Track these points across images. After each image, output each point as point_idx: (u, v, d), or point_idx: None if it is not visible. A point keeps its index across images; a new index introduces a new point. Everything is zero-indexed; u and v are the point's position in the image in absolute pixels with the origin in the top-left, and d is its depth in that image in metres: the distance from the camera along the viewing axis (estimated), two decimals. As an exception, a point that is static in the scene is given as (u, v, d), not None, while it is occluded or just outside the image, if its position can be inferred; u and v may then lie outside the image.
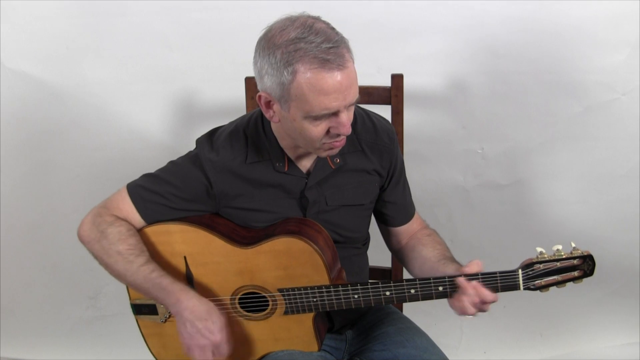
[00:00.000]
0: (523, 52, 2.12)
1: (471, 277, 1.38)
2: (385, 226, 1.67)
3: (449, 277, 1.39)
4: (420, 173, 2.26)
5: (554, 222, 2.32)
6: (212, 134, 1.52)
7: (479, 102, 2.20)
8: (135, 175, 1.56)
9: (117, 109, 2.25)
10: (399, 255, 1.69)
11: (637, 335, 2.44)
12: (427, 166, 2.28)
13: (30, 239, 2.42)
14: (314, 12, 1.35)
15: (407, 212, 1.66)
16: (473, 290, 1.38)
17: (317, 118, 1.32)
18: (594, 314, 2.45)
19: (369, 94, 1.83)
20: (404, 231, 1.66)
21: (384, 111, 1.79)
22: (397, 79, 1.81)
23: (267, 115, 1.40)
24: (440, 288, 1.41)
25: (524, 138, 2.23)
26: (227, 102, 2.18)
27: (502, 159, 2.27)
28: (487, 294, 1.38)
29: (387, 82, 1.83)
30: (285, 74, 1.28)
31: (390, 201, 1.61)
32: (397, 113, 1.82)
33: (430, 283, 1.40)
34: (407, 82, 1.82)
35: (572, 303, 2.42)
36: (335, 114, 1.32)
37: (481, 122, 2.22)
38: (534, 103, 2.19)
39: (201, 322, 1.43)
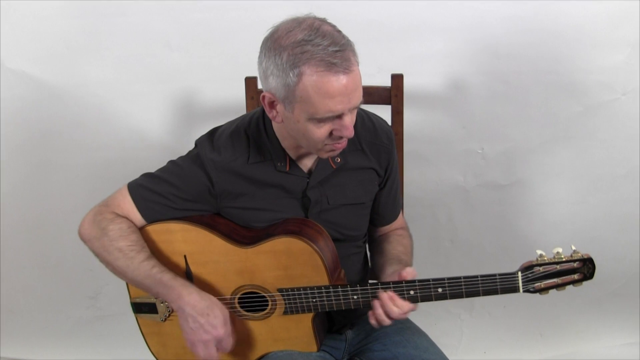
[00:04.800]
0: (523, 52, 2.12)
1: (471, 278, 1.38)
2: (370, 224, 1.67)
3: (448, 279, 1.39)
4: (420, 173, 2.26)
5: (554, 222, 2.32)
6: (212, 134, 1.53)
7: (479, 102, 2.20)
8: (135, 175, 1.56)
9: (117, 109, 2.25)
10: (369, 247, 1.71)
11: (637, 335, 2.44)
12: (427, 166, 2.28)
13: (30, 239, 2.42)
14: (314, 12, 1.35)
15: (394, 213, 1.67)
16: (390, 301, 1.40)
17: (321, 120, 1.32)
18: (594, 314, 2.45)
19: (369, 94, 1.82)
20: (383, 229, 1.68)
21: (384, 111, 1.79)
22: (397, 79, 1.81)
23: (270, 115, 1.41)
24: (440, 290, 1.41)
25: (524, 138, 2.23)
26: (227, 102, 2.18)
27: (502, 159, 2.27)
28: (404, 304, 1.40)
29: (387, 82, 1.83)
30: (291, 75, 1.28)
31: (383, 201, 1.62)
32: (397, 113, 1.83)
33: (429, 284, 1.40)
34: (407, 82, 1.82)
35: (572, 303, 2.42)
36: (339, 116, 1.33)
37: (481, 122, 2.22)
38: (534, 103, 2.19)
39: (203, 317, 1.43)
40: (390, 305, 1.40)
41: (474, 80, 2.17)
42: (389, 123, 1.80)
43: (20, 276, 2.47)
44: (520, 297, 2.39)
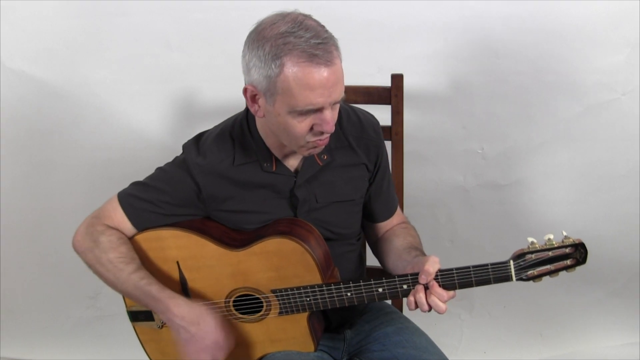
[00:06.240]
0: (523, 52, 2.12)
1: (463, 269, 1.38)
2: (367, 221, 1.67)
3: (440, 271, 1.38)
4: (420, 173, 2.26)
5: (554, 222, 2.31)
6: (198, 139, 1.53)
7: (479, 102, 2.20)
8: (135, 174, 1.57)
9: (117, 109, 2.25)
10: (374, 248, 1.69)
11: (637, 335, 2.44)
12: (427, 166, 2.28)
13: (30, 239, 2.42)
14: (314, 12, 1.35)
15: (390, 207, 1.66)
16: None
17: (301, 113, 1.32)
18: (594, 314, 2.45)
19: (369, 94, 1.82)
20: (384, 226, 1.66)
21: (384, 111, 1.79)
22: (397, 79, 1.80)
23: (252, 110, 1.40)
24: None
25: (524, 138, 2.23)
26: (227, 102, 2.18)
27: (502, 159, 2.27)
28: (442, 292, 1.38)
29: (387, 82, 1.82)
30: (273, 66, 1.29)
31: (375, 196, 1.61)
32: (397, 113, 1.82)
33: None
34: (407, 82, 1.81)
35: (572, 303, 2.42)
36: (320, 110, 1.32)
37: (481, 122, 2.22)
38: (534, 103, 2.19)
39: (194, 326, 1.43)
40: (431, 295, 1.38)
41: (474, 80, 2.17)
42: (389, 123, 1.80)
43: (20, 276, 2.47)
44: (520, 297, 2.41)
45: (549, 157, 2.25)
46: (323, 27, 1.32)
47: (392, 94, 1.81)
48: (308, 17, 1.32)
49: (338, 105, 1.38)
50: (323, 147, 1.41)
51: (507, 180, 2.30)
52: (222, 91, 2.18)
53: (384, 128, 1.70)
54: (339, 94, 1.33)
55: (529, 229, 2.32)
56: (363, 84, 1.80)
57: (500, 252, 2.34)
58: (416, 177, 2.21)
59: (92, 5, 2.14)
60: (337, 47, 1.32)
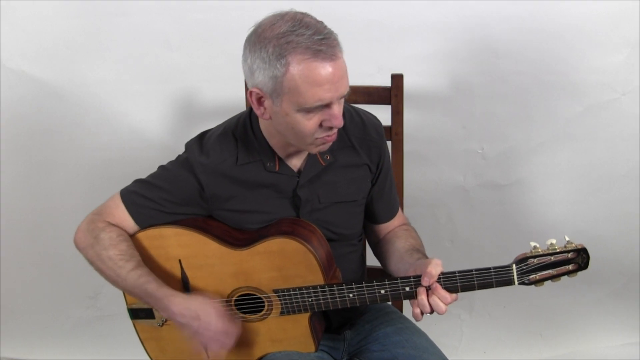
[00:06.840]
0: (523, 52, 2.13)
1: (465, 272, 1.38)
2: (369, 222, 1.66)
3: (442, 274, 1.38)
4: (420, 173, 2.26)
5: (554, 222, 2.32)
6: (201, 137, 1.53)
7: (479, 102, 2.20)
8: (135, 174, 1.56)
9: (117, 109, 2.25)
10: (375, 249, 1.69)
11: (637, 335, 2.44)
12: (427, 166, 2.28)
13: (30, 238, 2.42)
14: (314, 12, 1.35)
15: (392, 209, 1.65)
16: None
17: (309, 110, 1.32)
18: (594, 314, 2.45)
19: (369, 94, 1.82)
20: (385, 227, 1.66)
21: (384, 111, 1.79)
22: (397, 79, 1.80)
23: (257, 112, 1.40)
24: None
25: (524, 138, 2.23)
26: (227, 102, 2.18)
27: (502, 159, 2.27)
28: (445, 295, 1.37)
29: (387, 82, 1.82)
30: (278, 66, 1.28)
31: (377, 197, 1.61)
32: (397, 113, 1.82)
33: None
34: (407, 82, 1.81)
35: (572, 303, 2.42)
36: (328, 105, 1.33)
37: (481, 122, 2.22)
38: (534, 103, 2.19)
39: (195, 320, 1.43)
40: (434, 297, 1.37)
41: (474, 80, 2.17)
42: (389, 123, 1.80)
43: (20, 276, 2.47)
44: (520, 297, 2.41)
45: (549, 157, 2.25)
46: (322, 22, 1.32)
47: (392, 94, 1.81)
48: (306, 14, 1.33)
49: (343, 100, 1.38)
50: (331, 142, 1.41)
51: (507, 180, 2.30)
52: (222, 91, 2.18)
53: (384, 128, 1.70)
54: (345, 88, 1.34)
55: (529, 229, 2.33)
56: (363, 84, 1.80)
57: (500, 252, 2.35)
58: (416, 177, 2.21)
59: (92, 5, 2.14)
60: (338, 42, 1.32)
